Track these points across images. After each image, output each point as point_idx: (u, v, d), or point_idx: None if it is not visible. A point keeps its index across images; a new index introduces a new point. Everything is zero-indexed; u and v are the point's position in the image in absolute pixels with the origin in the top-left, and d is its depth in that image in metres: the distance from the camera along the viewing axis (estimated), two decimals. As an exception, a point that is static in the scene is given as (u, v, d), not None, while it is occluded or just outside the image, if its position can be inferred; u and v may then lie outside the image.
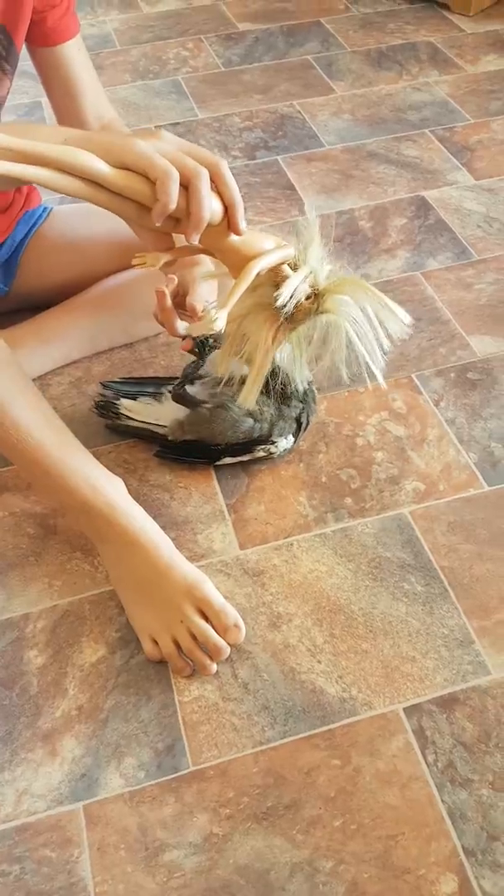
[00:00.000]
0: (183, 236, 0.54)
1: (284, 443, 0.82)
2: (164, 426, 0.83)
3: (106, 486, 0.71)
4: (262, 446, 0.81)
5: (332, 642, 0.71)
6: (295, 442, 0.83)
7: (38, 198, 0.98)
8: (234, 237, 0.56)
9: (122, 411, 0.86)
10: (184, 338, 0.80)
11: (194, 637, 0.69)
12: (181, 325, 0.72)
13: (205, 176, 0.52)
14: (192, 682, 0.69)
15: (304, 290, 0.60)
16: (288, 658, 0.70)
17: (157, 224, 0.52)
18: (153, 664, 0.70)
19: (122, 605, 0.73)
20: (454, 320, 1.01)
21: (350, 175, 1.26)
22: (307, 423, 0.83)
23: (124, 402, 0.86)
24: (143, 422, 0.85)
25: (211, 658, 0.69)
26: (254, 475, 0.84)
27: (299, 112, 1.42)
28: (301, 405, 0.81)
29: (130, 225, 0.55)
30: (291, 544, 0.78)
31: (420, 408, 0.91)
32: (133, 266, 0.57)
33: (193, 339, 0.78)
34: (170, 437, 0.83)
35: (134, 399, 0.87)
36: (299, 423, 0.82)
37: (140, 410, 0.85)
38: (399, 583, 0.75)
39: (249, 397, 0.61)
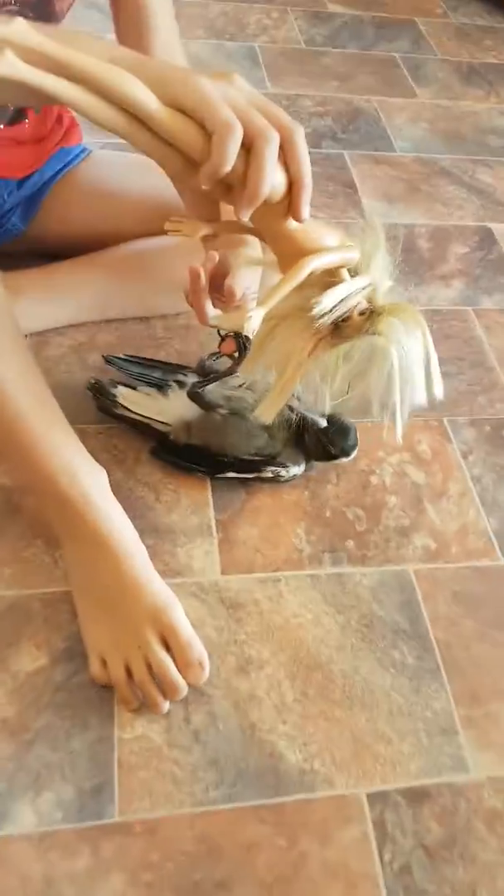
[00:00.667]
0: (232, 208, 0.45)
1: (296, 469, 0.74)
2: (167, 424, 0.75)
3: (86, 477, 0.62)
4: (272, 468, 0.73)
5: (302, 702, 0.63)
6: (306, 470, 0.75)
7: (79, 135, 0.89)
8: (292, 223, 0.46)
9: (118, 400, 0.77)
10: (222, 338, 0.71)
11: (150, 667, 0.60)
12: (212, 312, 0.63)
13: (274, 140, 0.42)
14: (137, 718, 0.61)
15: (360, 303, 0.51)
16: (251, 711, 0.62)
17: (205, 187, 0.43)
18: (97, 687, 0.62)
19: (77, 613, 0.64)
20: (499, 368, 0.93)
21: (417, 188, 1.18)
22: (324, 457, 0.75)
23: (122, 390, 0.78)
24: (141, 415, 0.76)
25: (164, 695, 0.61)
26: (252, 492, 0.76)
27: (376, 109, 1.33)
28: (323, 440, 0.73)
29: (173, 181, 0.46)
30: (279, 580, 0.70)
31: (446, 456, 0.83)
32: (166, 232, 0.48)
33: (235, 337, 0.69)
34: (171, 437, 0.75)
35: (134, 388, 0.78)
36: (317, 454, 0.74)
37: (140, 402, 0.76)
38: (389, 649, 0.67)
39: (269, 412, 0.53)
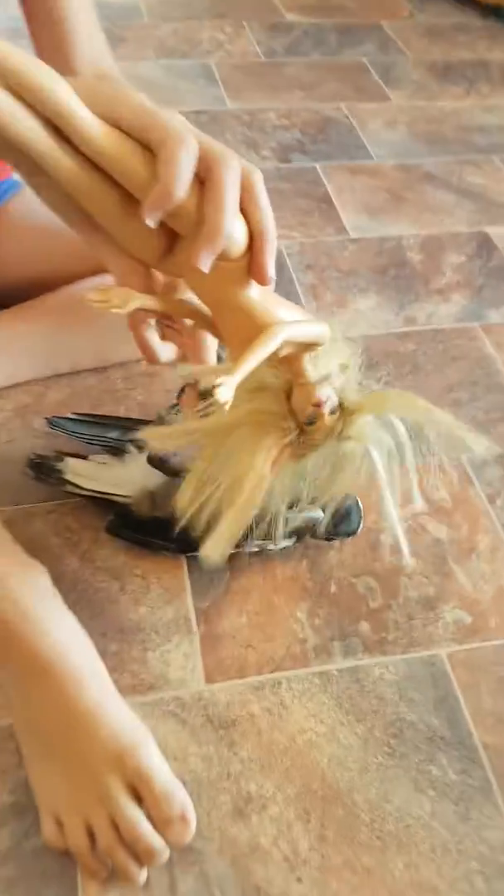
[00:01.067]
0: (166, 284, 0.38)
1: (286, 541, 0.60)
2: (126, 496, 0.62)
3: (18, 584, 0.49)
4: (257, 541, 0.60)
5: (321, 850, 0.49)
6: (298, 542, 0.62)
7: (7, 168, 0.77)
8: (250, 291, 0.38)
9: (66, 477, 0.64)
10: (182, 389, 0.58)
11: (118, 827, 0.46)
12: (164, 351, 0.50)
13: (235, 169, 0.35)
14: (107, 891, 0.47)
15: (330, 398, 0.42)
16: (255, 868, 0.48)
17: (148, 221, 0.34)
18: (56, 853, 0.48)
19: (22, 756, 0.50)
20: (518, 390, 0.80)
21: (401, 196, 1.06)
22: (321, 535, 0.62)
23: (70, 463, 0.64)
24: (95, 491, 0.63)
25: (140, 862, 0.47)
26: (238, 569, 0.63)
27: (347, 117, 1.22)
28: (321, 533, 0.61)
29: (92, 245, 0.37)
30: (279, 683, 0.56)
31: (470, 504, 0.69)
32: (90, 303, 0.37)
33: (198, 389, 0.56)
34: (133, 510, 0.62)
35: (84, 458, 0.65)
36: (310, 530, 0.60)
37: (92, 475, 0.63)
38: (425, 764, 0.53)
39: (219, 548, 0.41)
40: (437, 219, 1.02)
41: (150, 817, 0.47)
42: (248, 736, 0.53)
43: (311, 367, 0.42)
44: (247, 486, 0.41)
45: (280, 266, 0.91)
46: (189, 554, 0.62)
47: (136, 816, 0.46)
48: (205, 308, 0.42)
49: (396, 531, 0.44)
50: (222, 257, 0.36)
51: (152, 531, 0.62)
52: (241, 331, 0.39)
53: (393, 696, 0.56)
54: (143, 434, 0.46)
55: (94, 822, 0.47)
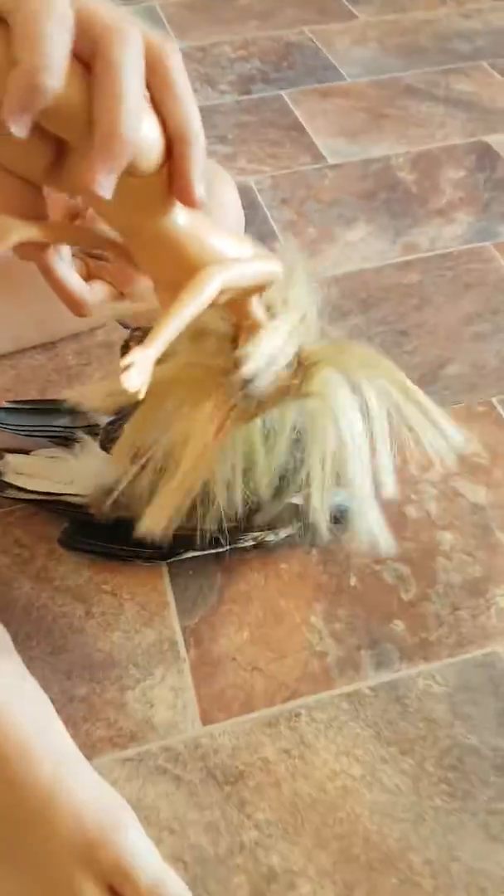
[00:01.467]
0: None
1: (288, 529, 0.48)
2: (82, 495, 0.49)
3: None
4: (254, 534, 0.47)
5: (375, 938, 0.36)
6: (302, 529, 0.49)
7: None
8: (175, 216, 0.29)
9: (6, 479, 0.51)
10: (125, 342, 0.46)
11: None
12: (91, 292, 0.37)
13: (133, 43, 0.25)
14: None
15: (285, 354, 0.35)
16: None
17: (14, 129, 0.23)
18: None
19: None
20: (548, 314, 0.66)
21: (382, 114, 0.92)
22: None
23: (11, 461, 0.52)
24: (43, 493, 0.50)
25: None
26: (233, 570, 0.50)
27: (311, 40, 1.08)
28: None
29: None
30: (298, 714, 0.43)
31: (510, 456, 0.56)
32: None
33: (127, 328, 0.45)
34: (92, 513, 0.49)
35: (27, 453, 0.52)
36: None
37: (38, 472, 0.50)
38: (496, 802, 0.40)
39: (158, 520, 0.36)
40: (426, 133, 0.88)
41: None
42: (263, 790, 0.41)
43: (261, 311, 0.34)
44: (187, 456, 0.34)
45: (250, 204, 0.77)
46: (170, 560, 0.49)
47: (116, 929, 0.34)
48: (110, 235, 0.30)
49: (368, 516, 0.37)
50: (130, 172, 0.26)
51: (117, 537, 0.49)
52: (166, 271, 0.30)
53: (445, 715, 0.43)
54: (66, 394, 0.36)
55: (64, 939, 0.34)
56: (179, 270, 0.29)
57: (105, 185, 0.25)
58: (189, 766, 0.42)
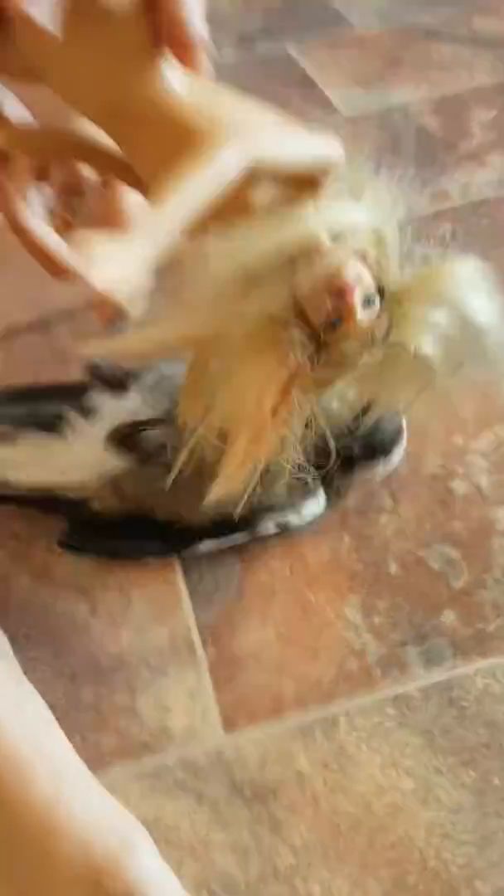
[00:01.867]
0: None
1: (313, 507, 0.42)
2: (78, 486, 0.44)
3: None
4: (274, 516, 0.41)
5: None
6: (330, 503, 0.43)
7: None
8: (172, 79, 0.22)
9: None
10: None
11: None
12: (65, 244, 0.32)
13: None
14: None
15: (366, 286, 0.26)
16: None
17: None
18: None
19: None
20: None
21: (399, 60, 0.85)
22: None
23: None
24: (33, 488, 0.45)
25: None
26: (253, 558, 0.44)
27: (317, -10, 1.01)
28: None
29: None
30: (336, 721, 0.38)
31: None
32: None
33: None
34: (96, 507, 0.44)
35: (12, 442, 0.46)
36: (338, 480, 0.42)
37: (26, 463, 0.45)
38: None
39: (226, 488, 0.29)
40: (450, 76, 0.81)
41: None
42: (298, 809, 0.35)
43: (323, 230, 0.25)
44: (243, 432, 0.27)
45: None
46: (182, 553, 0.44)
47: None
48: (87, 135, 0.24)
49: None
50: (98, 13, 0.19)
51: (126, 532, 0.44)
52: (167, 160, 0.21)
53: (508, 717, 0.37)
54: (84, 350, 0.29)
55: None
56: (179, 137, 0.22)
57: None
58: (211, 781, 0.36)
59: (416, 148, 0.72)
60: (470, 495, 0.46)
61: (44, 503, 0.45)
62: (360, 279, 0.26)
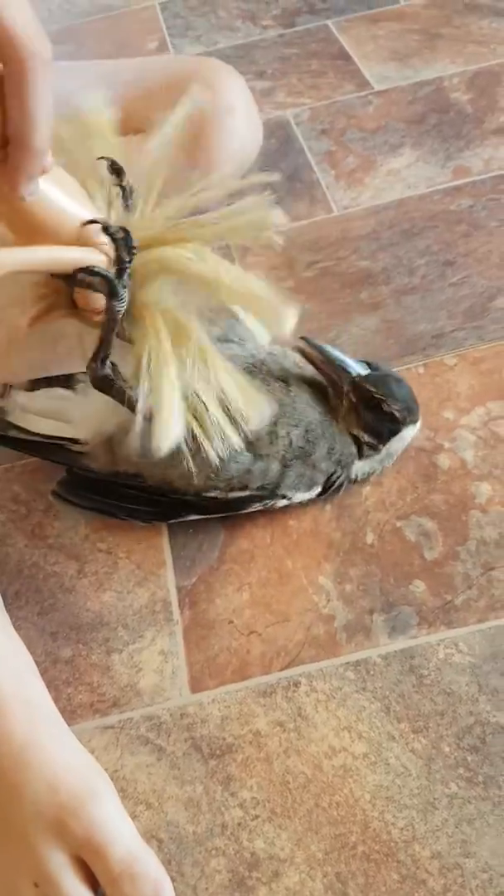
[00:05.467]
0: None
1: (304, 493, 0.43)
2: (82, 442, 0.47)
3: None
4: (264, 501, 0.43)
5: (371, 940, 0.32)
6: (324, 494, 0.45)
7: None
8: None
9: (10, 418, 0.49)
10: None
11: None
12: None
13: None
14: None
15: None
16: None
17: None
18: None
19: None
20: None
21: (437, 34, 0.84)
22: (345, 482, 0.45)
23: (17, 397, 0.50)
24: (44, 435, 0.48)
25: None
26: (237, 526, 0.46)
27: (362, -35, 1.01)
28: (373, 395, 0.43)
29: None
30: (297, 683, 0.39)
31: None
32: None
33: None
34: (89, 464, 0.47)
35: (30, 390, 0.50)
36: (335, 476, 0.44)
37: (43, 410, 0.48)
38: (531, 791, 0.35)
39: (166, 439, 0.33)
40: (486, 50, 0.80)
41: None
42: (252, 766, 0.37)
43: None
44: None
45: (287, 137, 0.73)
46: (172, 521, 0.46)
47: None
48: None
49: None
50: None
51: (118, 494, 0.46)
52: (16, 225, 0.33)
53: (468, 688, 0.38)
54: None
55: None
56: (24, 225, 0.32)
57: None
58: (173, 737, 0.39)
59: (443, 122, 0.71)
60: (454, 469, 0.46)
61: (47, 450, 0.48)
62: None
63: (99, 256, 0.34)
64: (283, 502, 0.44)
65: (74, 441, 0.47)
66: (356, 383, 0.43)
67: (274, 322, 0.36)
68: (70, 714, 0.40)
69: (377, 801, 0.35)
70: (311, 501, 0.45)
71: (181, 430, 0.34)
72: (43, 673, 0.41)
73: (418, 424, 0.45)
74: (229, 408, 0.35)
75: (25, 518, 0.49)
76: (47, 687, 0.40)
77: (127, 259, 0.34)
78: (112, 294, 0.34)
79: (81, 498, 0.48)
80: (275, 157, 0.66)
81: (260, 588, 0.43)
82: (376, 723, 0.37)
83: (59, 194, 0.32)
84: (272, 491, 0.43)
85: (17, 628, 0.42)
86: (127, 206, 0.36)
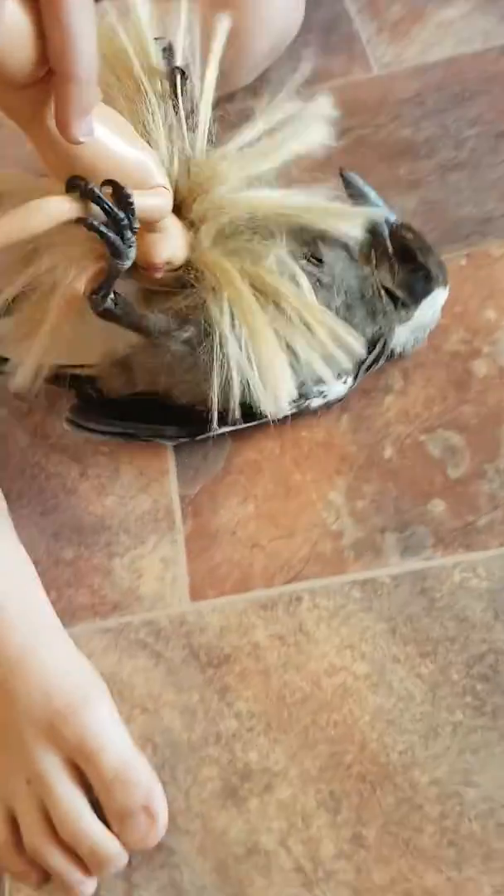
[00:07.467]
0: None
1: (338, 388, 0.40)
2: (89, 366, 0.44)
3: None
4: (298, 402, 0.40)
5: (355, 858, 0.33)
6: (356, 383, 0.41)
7: None
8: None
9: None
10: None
11: (52, 821, 0.33)
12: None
13: None
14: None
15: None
16: (250, 879, 0.33)
17: None
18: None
19: None
20: None
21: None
22: (385, 355, 0.41)
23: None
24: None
25: (84, 869, 0.33)
26: (245, 435, 0.44)
27: None
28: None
29: None
30: (300, 598, 0.38)
31: None
32: None
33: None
34: (103, 390, 0.44)
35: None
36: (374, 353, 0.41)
37: None
38: (538, 722, 0.34)
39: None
40: None
41: (100, 806, 0.33)
42: (248, 678, 0.37)
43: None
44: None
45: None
46: (198, 438, 0.44)
47: (76, 808, 0.33)
48: None
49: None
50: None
51: (136, 415, 0.44)
52: (59, 170, 0.30)
53: (483, 615, 0.36)
54: None
55: (18, 810, 0.34)
56: (66, 167, 0.29)
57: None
58: (171, 643, 0.38)
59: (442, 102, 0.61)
60: (490, 378, 0.42)
61: (54, 378, 0.45)
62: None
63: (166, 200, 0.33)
64: (319, 399, 0.41)
65: (78, 365, 0.45)
66: (394, 231, 0.40)
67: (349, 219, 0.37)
68: (70, 616, 0.40)
69: (377, 723, 0.34)
70: (325, 411, 0.43)
71: (293, 388, 0.36)
72: (44, 573, 0.41)
73: (448, 288, 0.41)
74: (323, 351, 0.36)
75: (28, 416, 0.48)
76: (49, 588, 0.40)
77: (122, 216, 0.31)
78: (115, 254, 0.32)
79: (99, 423, 0.45)
80: (308, 7, 0.58)
81: (266, 501, 0.42)
82: (381, 644, 0.36)
83: (112, 138, 0.29)
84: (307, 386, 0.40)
85: (19, 528, 0.42)
86: (188, 113, 0.35)
